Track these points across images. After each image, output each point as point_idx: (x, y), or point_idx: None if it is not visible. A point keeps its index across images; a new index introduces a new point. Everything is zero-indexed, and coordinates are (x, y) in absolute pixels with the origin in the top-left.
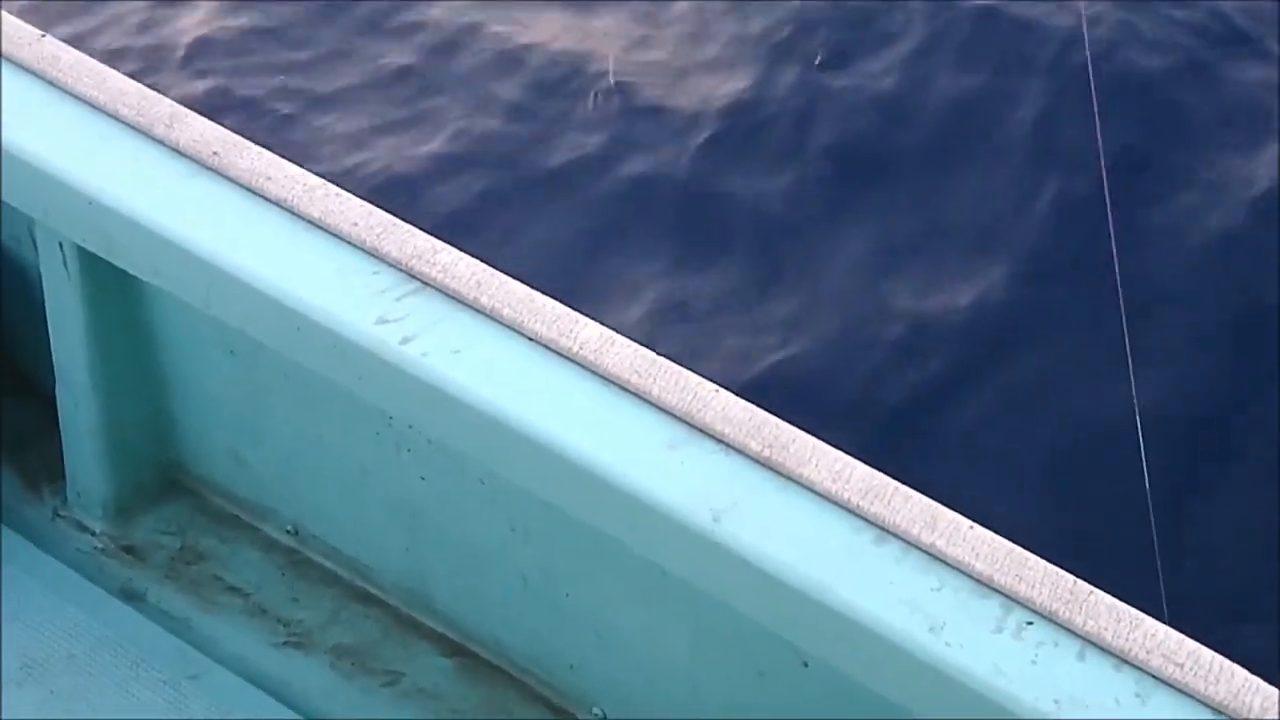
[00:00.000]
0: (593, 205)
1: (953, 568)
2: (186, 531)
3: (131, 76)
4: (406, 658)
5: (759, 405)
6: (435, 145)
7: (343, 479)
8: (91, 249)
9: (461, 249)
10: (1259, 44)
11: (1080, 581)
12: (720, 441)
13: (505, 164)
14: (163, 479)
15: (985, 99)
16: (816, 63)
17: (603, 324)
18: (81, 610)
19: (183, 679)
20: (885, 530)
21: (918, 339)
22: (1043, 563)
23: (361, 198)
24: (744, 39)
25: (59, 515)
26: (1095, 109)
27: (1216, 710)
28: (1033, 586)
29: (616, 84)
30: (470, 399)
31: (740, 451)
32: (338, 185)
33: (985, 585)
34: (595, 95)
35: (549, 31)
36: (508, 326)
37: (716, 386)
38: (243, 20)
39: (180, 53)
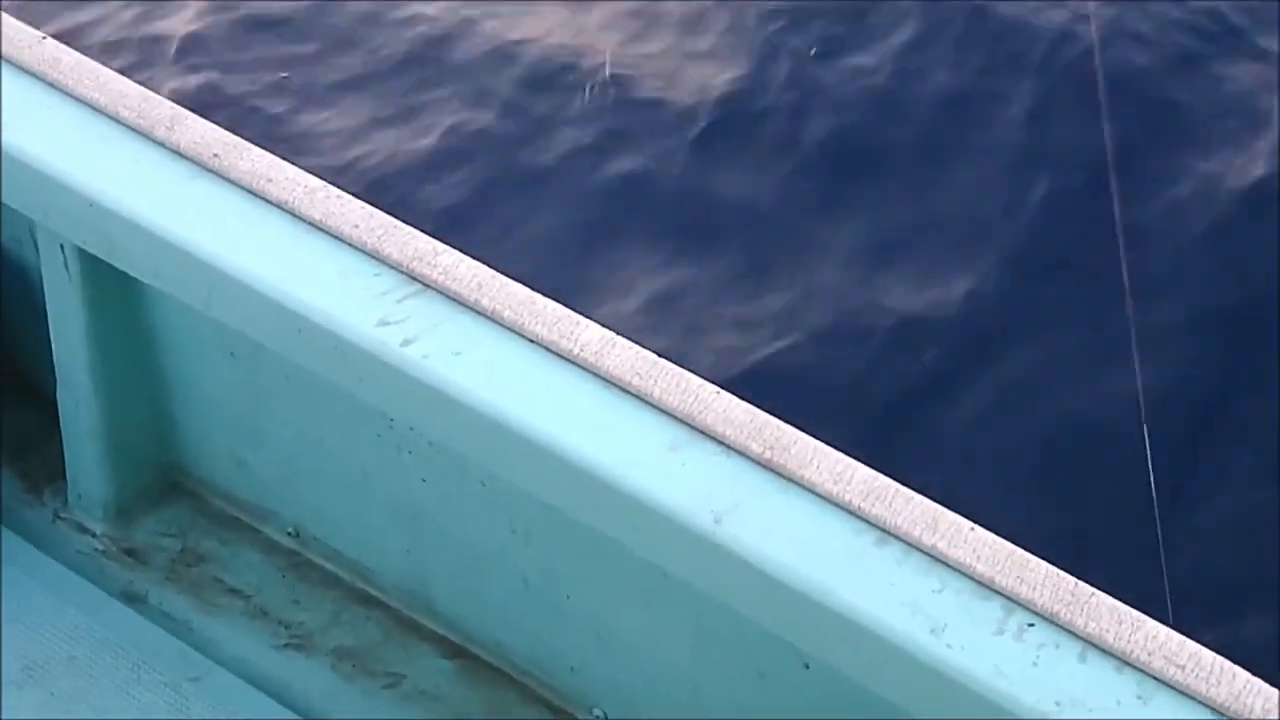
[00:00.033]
0: (587, 199)
1: (954, 569)
2: (187, 533)
3: (126, 70)
4: (407, 659)
5: (752, 400)
6: (429, 140)
7: (344, 481)
8: (92, 251)
9: (456, 243)
10: (1249, 39)
11: (1081, 583)
12: (721, 443)
13: (500, 159)
14: (164, 481)
15: (978, 93)
16: (811, 54)
17: (596, 317)
18: (82, 612)
19: (184, 681)
20: (886, 532)
21: (911, 334)
22: (1044, 564)
23: (360, 197)
24: (738, 32)
25: (60, 517)
26: (1103, 106)
27: (1218, 712)
28: (1034, 588)
29: (611, 77)
30: (471, 401)
31: (741, 453)
32: (331, 181)
33: (987, 587)
34: (590, 89)
35: (543, 26)
36: (509, 328)
37: (718, 388)
38: (236, 14)
39: (174, 47)
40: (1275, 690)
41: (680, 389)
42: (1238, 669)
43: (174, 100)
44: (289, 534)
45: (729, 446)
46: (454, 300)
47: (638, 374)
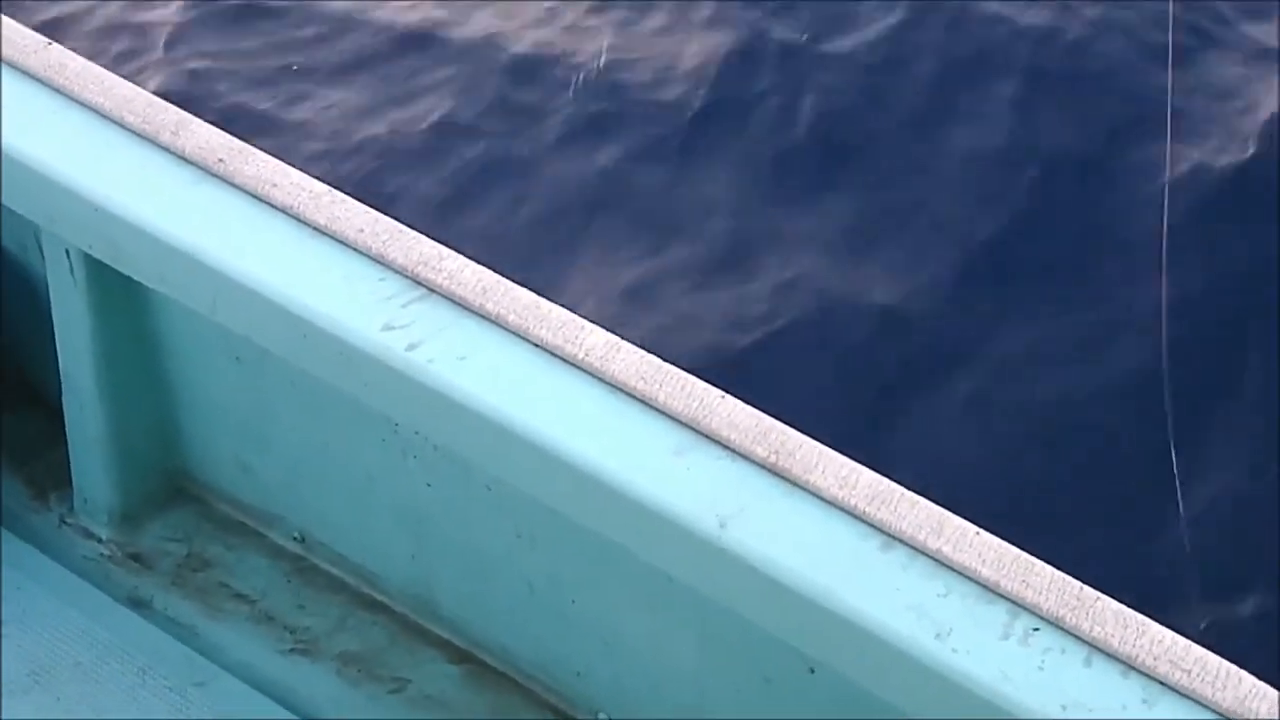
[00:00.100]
0: (569, 189)
1: (959, 573)
2: (193, 538)
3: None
4: (413, 664)
5: (743, 397)
6: (416, 131)
7: (349, 486)
8: (98, 256)
9: (441, 235)
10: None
11: (1087, 587)
12: (726, 447)
13: (490, 151)
14: (169, 486)
15: (962, 85)
16: (798, 44)
17: (581, 309)
18: (88, 617)
19: (189, 686)
20: (891, 536)
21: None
22: (1049, 568)
23: (359, 199)
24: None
25: (65, 522)
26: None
27: (1223, 716)
28: (1039, 592)
29: (599, 67)
30: (476, 405)
31: (746, 457)
32: (316, 171)
33: (992, 591)
34: (577, 79)
35: (530, 16)
36: (513, 333)
37: (722, 393)
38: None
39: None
40: None
41: (685, 393)
42: (1243, 673)
43: (158, 91)
44: (294, 539)
45: (734, 451)
46: (459, 305)
47: (642, 378)
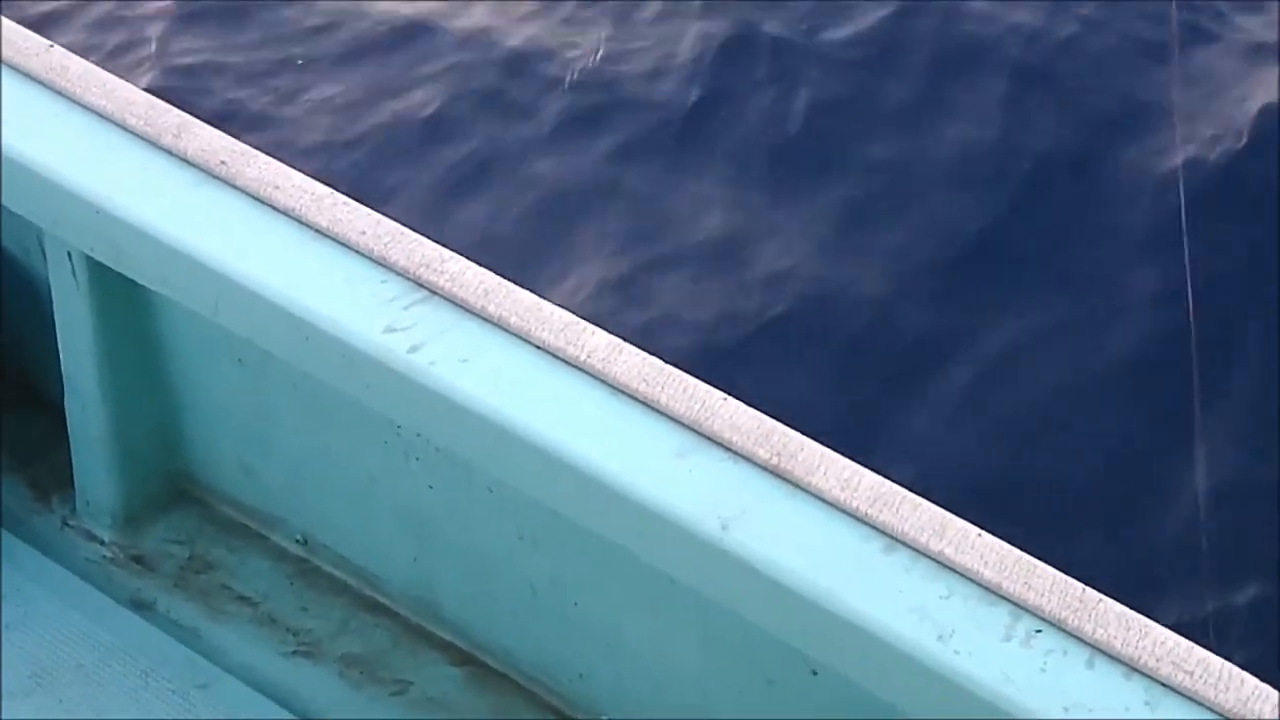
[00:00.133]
0: (563, 182)
1: (961, 575)
2: (195, 541)
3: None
4: (415, 667)
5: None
6: (411, 125)
7: (351, 488)
8: (100, 258)
9: (431, 231)
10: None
11: (1089, 589)
12: (728, 449)
13: (484, 144)
14: (171, 488)
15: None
16: (791, 36)
17: (572, 302)
18: (90, 619)
19: (191, 688)
20: (894, 538)
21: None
22: (1051, 570)
23: (359, 201)
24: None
25: (68, 525)
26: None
27: (1226, 717)
28: (1041, 594)
29: (598, 59)
30: (478, 407)
31: (748, 459)
32: (302, 165)
33: (994, 593)
34: (571, 72)
35: (524, 10)
36: (515, 335)
37: (724, 394)
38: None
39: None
40: None
41: (687, 395)
42: (1245, 675)
43: (152, 86)
44: (297, 541)
45: (736, 453)
46: (461, 307)
47: (644, 380)
